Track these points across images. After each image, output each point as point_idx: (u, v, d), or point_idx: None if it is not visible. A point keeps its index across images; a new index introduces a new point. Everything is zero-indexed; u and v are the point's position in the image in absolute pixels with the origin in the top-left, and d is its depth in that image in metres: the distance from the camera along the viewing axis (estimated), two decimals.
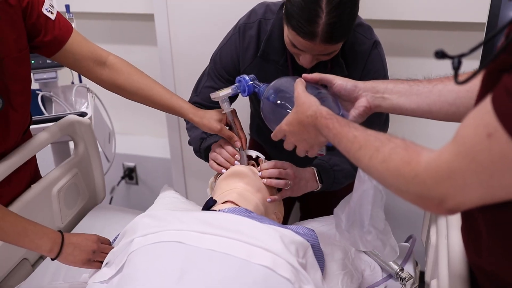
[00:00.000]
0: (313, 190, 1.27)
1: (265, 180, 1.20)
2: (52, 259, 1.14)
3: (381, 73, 1.25)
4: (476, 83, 0.69)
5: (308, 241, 1.02)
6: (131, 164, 2.48)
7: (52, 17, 1.19)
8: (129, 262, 0.97)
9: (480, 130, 0.56)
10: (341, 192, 1.18)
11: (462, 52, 0.65)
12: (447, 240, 0.90)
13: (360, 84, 0.99)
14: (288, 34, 1.12)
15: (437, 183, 0.62)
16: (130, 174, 2.50)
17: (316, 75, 1.04)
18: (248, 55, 1.30)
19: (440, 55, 0.64)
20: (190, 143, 1.43)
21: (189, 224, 0.99)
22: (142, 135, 2.57)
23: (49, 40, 1.19)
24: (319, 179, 1.24)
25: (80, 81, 1.99)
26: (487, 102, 0.56)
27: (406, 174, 0.66)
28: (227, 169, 1.25)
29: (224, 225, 0.98)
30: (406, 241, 1.35)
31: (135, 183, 2.53)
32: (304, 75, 1.05)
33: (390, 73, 1.34)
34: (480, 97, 0.64)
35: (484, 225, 0.69)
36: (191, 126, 1.39)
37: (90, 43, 1.27)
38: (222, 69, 1.34)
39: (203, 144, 1.36)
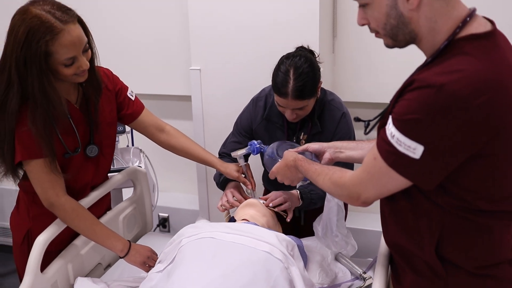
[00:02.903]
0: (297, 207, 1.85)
1: (275, 208, 1.78)
2: (120, 257, 1.68)
3: (347, 135, 1.84)
4: None
5: (295, 242, 1.55)
6: (165, 215, 3.03)
7: (132, 98, 1.82)
8: (179, 253, 1.51)
9: (371, 156, 1.11)
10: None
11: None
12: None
13: (325, 144, 1.57)
14: (275, 97, 1.75)
15: (354, 186, 1.16)
16: (164, 223, 3.05)
17: (298, 149, 1.61)
18: (258, 118, 1.93)
19: (357, 119, 1.22)
20: (214, 178, 2.04)
21: (218, 228, 1.54)
22: (175, 192, 3.12)
23: (129, 113, 1.81)
24: (301, 198, 1.81)
25: (133, 144, 2.60)
26: (376, 143, 1.12)
27: (340, 184, 1.21)
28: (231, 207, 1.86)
29: (241, 229, 1.53)
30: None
31: (167, 231, 3.06)
32: (289, 150, 1.61)
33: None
34: None
35: (386, 212, 1.22)
36: (223, 158, 2.01)
37: (154, 116, 1.89)
38: (242, 128, 1.97)
39: (220, 180, 1.97)
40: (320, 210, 1.79)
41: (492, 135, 0.98)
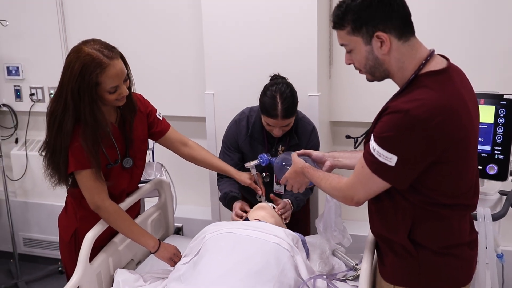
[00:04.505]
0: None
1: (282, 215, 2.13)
2: (151, 253, 2.00)
3: (316, 144, 2.25)
4: None
5: (299, 236, 1.88)
6: (179, 224, 3.34)
7: (160, 118, 2.16)
8: (204, 246, 1.82)
9: (360, 165, 1.43)
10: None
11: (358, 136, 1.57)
12: None
13: (326, 153, 1.89)
14: (263, 119, 2.12)
15: (348, 189, 1.47)
16: (178, 232, 3.35)
17: (302, 151, 1.94)
18: (242, 135, 2.30)
19: (348, 137, 1.56)
20: (220, 199, 2.36)
21: (237, 225, 1.87)
22: (189, 204, 3.43)
23: (159, 130, 2.15)
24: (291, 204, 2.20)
25: (153, 159, 2.93)
26: (362, 155, 1.45)
27: (338, 187, 1.53)
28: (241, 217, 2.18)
29: (255, 226, 1.86)
30: None
31: None
32: (296, 152, 1.95)
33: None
34: None
35: (373, 209, 1.54)
36: (220, 182, 2.37)
37: (179, 133, 2.23)
38: (230, 144, 2.33)
39: (226, 199, 2.30)
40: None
41: (446, 146, 1.31)
